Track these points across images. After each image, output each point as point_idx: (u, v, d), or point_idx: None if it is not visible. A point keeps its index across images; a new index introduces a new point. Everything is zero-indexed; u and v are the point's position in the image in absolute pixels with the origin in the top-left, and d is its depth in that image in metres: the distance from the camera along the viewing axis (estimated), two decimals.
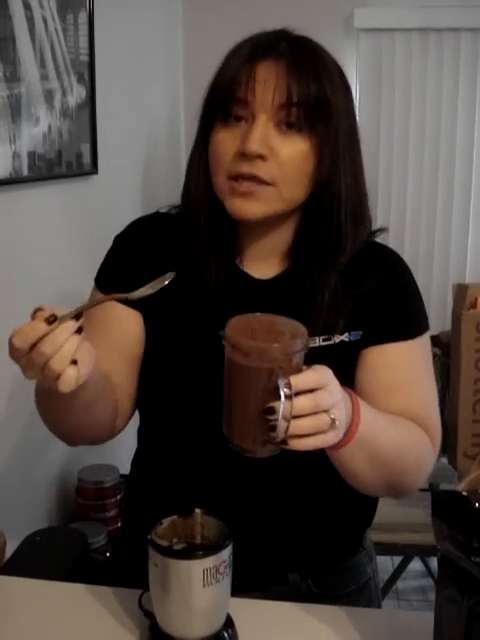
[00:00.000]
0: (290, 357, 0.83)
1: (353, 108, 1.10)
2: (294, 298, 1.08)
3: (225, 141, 1.03)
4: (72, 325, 0.83)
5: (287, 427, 0.82)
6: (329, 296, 1.08)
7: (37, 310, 0.83)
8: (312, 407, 0.83)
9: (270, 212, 1.05)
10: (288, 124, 1.02)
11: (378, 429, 0.98)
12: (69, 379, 0.83)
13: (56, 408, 1.02)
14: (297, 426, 0.83)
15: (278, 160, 1.01)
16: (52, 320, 0.81)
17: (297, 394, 0.82)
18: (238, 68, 1.02)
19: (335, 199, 1.06)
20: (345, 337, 1.09)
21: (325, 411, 0.84)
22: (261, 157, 1.00)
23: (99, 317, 1.13)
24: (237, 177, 1.02)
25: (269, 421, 0.82)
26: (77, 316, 0.84)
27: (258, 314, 0.90)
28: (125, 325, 1.13)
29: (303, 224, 1.11)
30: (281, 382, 0.81)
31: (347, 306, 1.09)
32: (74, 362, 0.83)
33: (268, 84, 1.00)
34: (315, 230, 1.09)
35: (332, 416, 0.85)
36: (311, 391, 0.83)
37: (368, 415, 0.95)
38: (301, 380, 0.83)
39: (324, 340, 1.08)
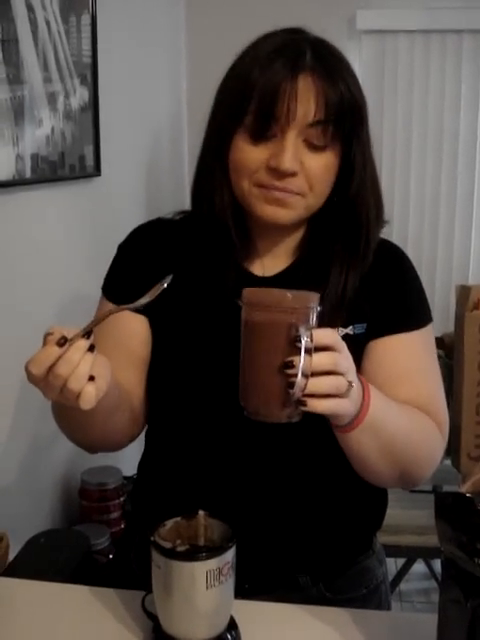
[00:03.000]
0: (307, 311, 0.85)
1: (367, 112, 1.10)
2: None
3: (252, 151, 1.03)
4: (84, 344, 0.84)
5: (305, 385, 0.83)
6: (326, 274, 1.09)
7: (47, 334, 0.84)
8: (331, 364, 0.85)
9: (297, 219, 1.08)
10: (316, 141, 1.02)
11: (388, 415, 0.99)
12: (89, 396, 0.84)
13: (76, 422, 1.04)
14: (315, 384, 0.84)
15: (307, 174, 1.03)
16: (63, 342, 0.83)
17: (316, 350, 0.83)
18: (276, 83, 0.99)
19: (363, 204, 1.09)
20: (349, 330, 1.10)
21: (342, 374, 0.85)
22: (293, 174, 1.02)
23: (106, 326, 1.13)
24: (267, 186, 1.03)
25: (288, 377, 0.83)
26: (87, 334, 0.85)
27: (270, 288, 0.93)
28: (132, 329, 1.14)
29: (313, 225, 1.12)
30: (302, 331, 0.83)
31: (351, 300, 1.09)
32: (91, 378, 0.84)
33: (308, 102, 1.00)
34: (344, 243, 1.10)
35: (349, 379, 0.86)
36: (329, 351, 0.85)
37: (378, 400, 0.96)
38: (321, 333, 0.85)
39: None
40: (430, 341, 1.15)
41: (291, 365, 0.83)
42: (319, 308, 0.87)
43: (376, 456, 1.01)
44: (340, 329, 1.09)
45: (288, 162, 1.00)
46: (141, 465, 1.24)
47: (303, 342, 0.82)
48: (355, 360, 1.10)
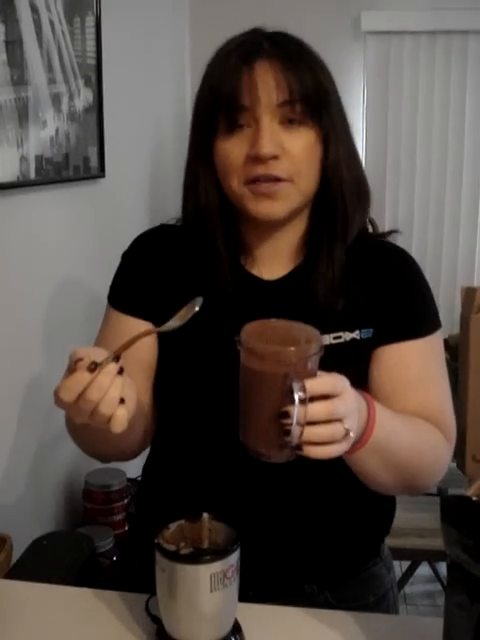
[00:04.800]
0: (305, 361, 0.84)
1: (334, 84, 1.10)
2: (303, 297, 1.09)
3: (233, 148, 1.04)
4: (113, 368, 0.84)
5: (301, 432, 0.82)
6: (332, 278, 1.08)
7: (76, 360, 0.84)
8: (326, 413, 0.83)
9: (293, 208, 1.06)
10: (291, 120, 1.02)
11: (393, 433, 0.98)
12: (121, 420, 0.85)
13: (93, 438, 1.04)
14: (311, 433, 0.83)
15: (290, 156, 1.02)
16: (93, 368, 0.83)
17: (312, 400, 0.82)
18: (234, 75, 1.02)
19: (338, 183, 1.07)
20: (356, 335, 1.09)
21: (339, 420, 0.84)
22: (275, 157, 1.01)
23: (113, 334, 1.14)
24: (254, 180, 1.03)
25: (284, 425, 0.82)
26: (116, 358, 0.85)
27: (273, 320, 0.90)
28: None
29: (313, 222, 1.12)
30: (295, 385, 0.81)
31: (358, 304, 1.09)
32: (122, 401, 0.85)
33: (268, 85, 1.01)
34: (324, 220, 1.10)
35: (346, 426, 0.85)
36: (326, 398, 0.83)
37: (384, 419, 0.95)
38: (316, 384, 0.83)
39: (335, 338, 1.08)
40: (439, 348, 1.14)
41: (286, 415, 0.82)
42: (322, 351, 0.85)
43: (381, 472, 1.01)
44: (347, 334, 1.08)
45: (266, 146, 1.00)
46: (146, 468, 1.24)
47: (297, 395, 0.81)
48: (361, 366, 1.10)
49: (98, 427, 0.86)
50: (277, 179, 1.02)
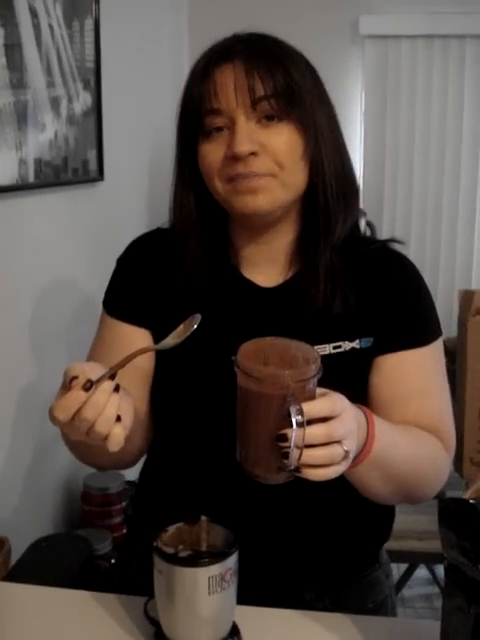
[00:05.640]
0: (303, 383, 0.82)
1: (326, 95, 1.10)
2: (301, 305, 1.08)
3: (212, 151, 1.04)
4: (109, 385, 0.84)
5: (300, 455, 0.81)
6: (330, 285, 1.07)
7: (71, 378, 0.83)
8: (325, 436, 0.82)
9: (278, 203, 1.05)
10: (267, 117, 1.02)
11: (393, 446, 0.97)
12: (117, 438, 0.84)
13: (90, 453, 1.04)
14: (310, 455, 0.82)
15: (269, 151, 1.02)
16: (89, 386, 0.82)
17: (310, 422, 0.81)
18: (199, 81, 1.04)
19: (320, 177, 1.06)
20: (356, 344, 1.08)
21: (338, 442, 0.83)
22: (253, 154, 1.01)
23: (109, 341, 1.15)
24: (235, 177, 1.03)
25: (282, 448, 0.81)
26: (112, 375, 0.85)
27: (270, 338, 0.89)
28: (134, 343, 1.13)
29: (304, 225, 1.11)
30: (293, 409, 0.80)
31: (357, 312, 1.08)
32: (118, 419, 0.84)
33: (229, 87, 1.01)
34: (311, 218, 1.09)
35: (345, 448, 0.84)
36: (325, 420, 0.83)
37: (383, 434, 0.94)
38: (314, 407, 0.82)
39: (334, 348, 1.07)
40: (440, 356, 1.13)
41: (284, 438, 0.81)
42: (320, 372, 0.84)
43: (380, 485, 1.00)
44: (346, 343, 1.08)
45: (241, 144, 1.00)
46: (144, 470, 1.24)
47: (294, 419, 0.80)
48: (361, 375, 1.09)
49: (95, 444, 0.86)
50: (259, 175, 1.02)
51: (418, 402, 1.08)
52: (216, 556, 0.92)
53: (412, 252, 3.43)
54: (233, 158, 1.02)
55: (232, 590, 0.93)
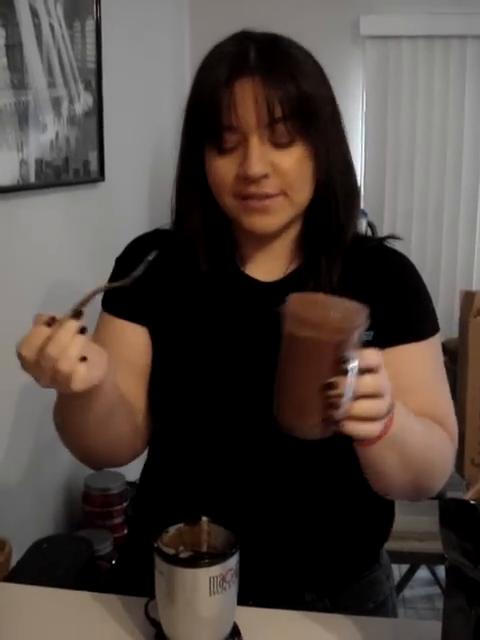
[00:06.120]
0: (356, 331, 0.81)
1: (336, 103, 1.09)
2: None
3: (224, 166, 1.04)
4: (73, 325, 0.84)
5: (349, 407, 0.81)
6: (330, 279, 1.08)
7: (37, 317, 0.85)
8: (374, 388, 0.82)
9: (286, 220, 1.07)
10: (279, 139, 1.01)
11: (409, 430, 0.97)
12: (81, 376, 0.84)
13: (74, 422, 1.03)
14: (359, 407, 0.82)
15: (281, 173, 1.02)
16: (51, 322, 0.84)
17: (361, 373, 0.81)
18: (216, 93, 1.01)
19: (332, 192, 1.07)
20: None
21: (381, 396, 0.83)
22: (265, 176, 1.01)
23: (105, 337, 1.14)
24: (246, 197, 1.03)
25: (329, 398, 0.80)
26: (77, 315, 0.85)
27: (313, 293, 0.89)
28: (132, 340, 1.14)
29: (307, 224, 1.12)
30: (350, 355, 0.79)
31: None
32: (83, 359, 0.84)
33: (249, 106, 0.99)
34: (319, 226, 1.10)
35: (389, 402, 0.84)
36: (372, 373, 0.82)
37: (401, 415, 0.94)
38: (369, 355, 0.82)
39: None
40: (438, 351, 1.14)
41: (334, 386, 0.80)
42: (368, 323, 0.82)
43: (395, 469, 0.99)
44: None
45: (254, 167, 1.00)
46: (144, 471, 1.24)
47: (352, 365, 0.79)
48: None
49: (60, 389, 0.86)
50: (269, 195, 1.03)
51: (421, 394, 1.08)
52: (217, 557, 0.91)
53: (413, 253, 3.44)
54: (245, 178, 1.02)
55: (233, 591, 0.93)
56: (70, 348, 0.83)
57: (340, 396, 0.80)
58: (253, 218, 1.05)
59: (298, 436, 0.86)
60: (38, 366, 0.84)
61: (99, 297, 1.20)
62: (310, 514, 1.11)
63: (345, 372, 0.79)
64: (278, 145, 1.02)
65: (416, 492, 1.08)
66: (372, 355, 0.83)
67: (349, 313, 0.82)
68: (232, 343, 1.10)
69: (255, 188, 1.02)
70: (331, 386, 0.80)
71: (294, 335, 0.82)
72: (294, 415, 0.85)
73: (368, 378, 0.82)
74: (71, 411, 1.00)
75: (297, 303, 0.84)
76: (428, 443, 1.04)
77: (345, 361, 0.79)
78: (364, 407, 0.82)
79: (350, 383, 0.80)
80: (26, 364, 0.86)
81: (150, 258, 0.91)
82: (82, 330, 0.85)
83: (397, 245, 1.17)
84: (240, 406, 1.08)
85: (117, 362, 1.11)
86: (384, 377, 0.84)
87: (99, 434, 1.05)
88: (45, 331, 0.84)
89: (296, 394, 0.84)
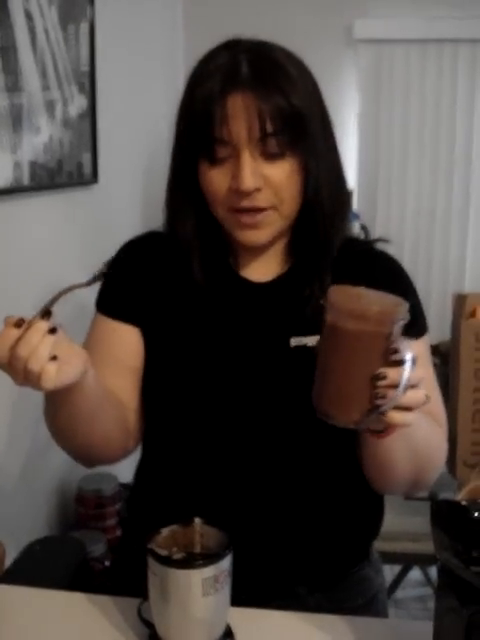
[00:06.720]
0: (401, 323, 0.83)
1: (327, 113, 1.09)
2: (294, 300, 1.10)
3: (216, 177, 1.04)
4: (43, 325, 0.87)
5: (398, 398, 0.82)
6: (322, 278, 1.09)
7: (6, 318, 0.87)
8: (419, 379, 0.85)
9: (277, 233, 1.08)
10: (271, 151, 1.02)
11: (418, 421, 0.97)
12: (50, 375, 0.86)
13: (59, 419, 1.05)
14: (408, 398, 0.84)
15: (273, 186, 1.03)
16: (20, 323, 0.86)
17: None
18: (209, 106, 1.01)
19: (320, 203, 1.08)
20: None
21: (418, 387, 0.86)
22: (257, 189, 1.02)
23: (98, 337, 1.16)
24: (238, 210, 1.04)
25: (376, 388, 0.82)
26: (46, 315, 0.88)
27: (350, 287, 0.89)
28: (124, 340, 1.14)
29: (295, 233, 1.13)
30: (404, 345, 0.81)
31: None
32: (54, 358, 0.86)
33: (241, 120, 1.00)
34: (308, 232, 1.11)
35: (426, 393, 0.87)
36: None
37: None
38: (416, 348, 0.84)
39: None
40: (428, 351, 1.16)
41: (382, 377, 0.82)
42: (408, 317, 0.85)
43: (402, 461, 1.02)
44: None
45: (247, 181, 1.01)
46: (138, 472, 1.24)
47: (408, 356, 0.81)
48: None
49: (33, 387, 0.88)
50: (261, 209, 1.04)
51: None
52: (210, 558, 0.92)
53: (406, 256, 3.44)
54: (237, 191, 1.02)
55: (226, 592, 0.93)
56: (39, 348, 0.85)
57: (390, 386, 0.82)
58: (245, 232, 1.07)
59: (334, 423, 0.87)
60: (11, 366, 0.87)
61: (94, 299, 1.21)
62: (301, 509, 1.12)
63: (395, 363, 0.82)
64: (269, 157, 1.02)
65: (414, 486, 1.11)
66: (412, 347, 0.85)
67: (393, 305, 0.84)
68: (225, 343, 1.10)
69: (247, 202, 1.03)
70: (379, 377, 0.82)
71: (339, 327, 0.83)
72: (336, 404, 0.86)
73: (418, 369, 0.84)
74: (55, 408, 1.02)
75: (341, 295, 0.86)
76: (430, 437, 1.06)
77: (397, 352, 0.81)
78: (412, 398, 0.85)
79: (404, 374, 0.81)
80: (1, 364, 0.88)
81: (103, 264, 0.96)
82: (52, 330, 0.87)
83: (390, 247, 1.19)
84: (229, 406, 1.09)
85: (109, 362, 1.12)
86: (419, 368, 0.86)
87: (86, 431, 1.06)
88: (15, 333, 0.86)
89: (340, 383, 0.85)
